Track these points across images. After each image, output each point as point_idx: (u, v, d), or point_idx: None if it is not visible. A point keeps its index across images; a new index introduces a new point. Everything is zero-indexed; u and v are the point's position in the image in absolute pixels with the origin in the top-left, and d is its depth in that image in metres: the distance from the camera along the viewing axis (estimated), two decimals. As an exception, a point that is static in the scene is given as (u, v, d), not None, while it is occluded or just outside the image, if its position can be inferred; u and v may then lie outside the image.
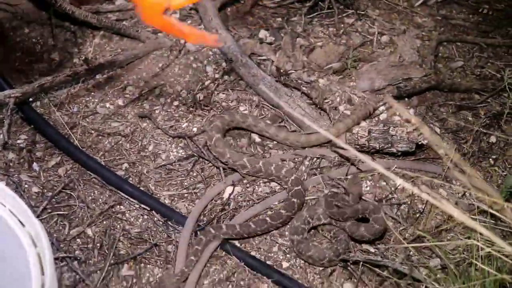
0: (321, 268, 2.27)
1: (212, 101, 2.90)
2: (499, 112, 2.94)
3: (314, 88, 2.96)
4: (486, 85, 3.06)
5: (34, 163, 2.56)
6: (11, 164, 2.54)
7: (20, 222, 1.53)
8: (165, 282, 2.14)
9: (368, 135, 2.65)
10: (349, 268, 2.27)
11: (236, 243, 2.33)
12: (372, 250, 2.33)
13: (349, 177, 2.56)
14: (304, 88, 2.97)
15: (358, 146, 2.65)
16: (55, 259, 2.19)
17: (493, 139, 2.84)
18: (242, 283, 2.22)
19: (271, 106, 2.89)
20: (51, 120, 2.72)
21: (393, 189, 2.55)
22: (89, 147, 2.64)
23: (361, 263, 2.26)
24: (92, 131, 2.72)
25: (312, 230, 2.41)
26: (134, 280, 2.20)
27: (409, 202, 2.50)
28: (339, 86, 3.01)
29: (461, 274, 2.10)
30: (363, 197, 2.45)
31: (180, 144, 2.70)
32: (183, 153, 2.66)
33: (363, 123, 2.79)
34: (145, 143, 2.70)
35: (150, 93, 2.91)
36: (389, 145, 2.63)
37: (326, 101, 2.93)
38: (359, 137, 2.65)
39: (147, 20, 1.72)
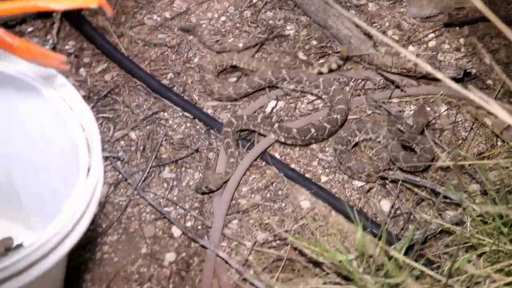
0: (359, 185, 2.28)
1: (259, 18, 2.88)
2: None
3: (363, 12, 2.92)
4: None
5: (82, 68, 2.60)
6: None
7: (69, 106, 1.55)
8: (208, 179, 2.17)
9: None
10: (387, 186, 2.27)
11: (276, 154, 2.35)
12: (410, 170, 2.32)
13: (414, 107, 2.52)
14: (352, 11, 2.93)
15: (404, 70, 2.62)
16: (99, 158, 2.25)
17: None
18: (280, 192, 2.24)
19: (319, 27, 2.86)
20: (99, 28, 2.74)
21: (437, 114, 2.52)
22: (135, 56, 2.66)
23: (400, 182, 2.26)
24: (139, 41, 2.73)
25: (354, 148, 2.41)
26: (175, 183, 2.24)
27: (452, 128, 2.47)
28: (389, 11, 2.96)
29: (500, 199, 2.09)
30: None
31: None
32: (228, 67, 2.67)
33: (410, 47, 2.74)
34: (191, 55, 2.71)
35: (197, 7, 2.90)
36: (437, 71, 2.58)
37: (374, 24, 2.88)
38: (406, 61, 2.61)
39: None
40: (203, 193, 2.20)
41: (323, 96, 2.53)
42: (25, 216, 1.89)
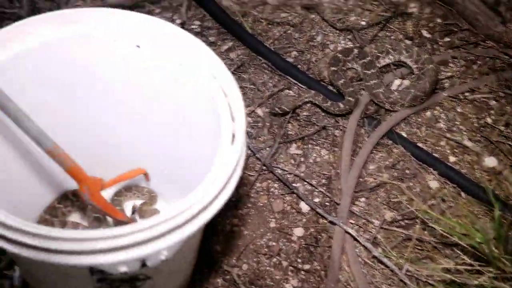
0: (490, 165, 2.23)
1: (383, -3, 2.86)
2: None
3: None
4: None
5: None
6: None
7: (212, 74, 1.59)
8: (282, 100, 2.32)
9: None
10: (519, 168, 2.21)
11: (403, 133, 2.33)
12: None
13: None
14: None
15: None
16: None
17: None
18: (407, 171, 2.22)
19: (443, 4, 2.80)
20: (224, 7, 2.79)
21: None
22: (259, 35, 2.70)
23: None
24: (262, 20, 2.77)
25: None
26: (302, 159, 2.26)
27: None
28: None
29: None
30: None
31: (348, 37, 2.69)
32: (351, 45, 2.65)
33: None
34: (313, 33, 2.72)
35: (319, -14, 2.91)
36: None
37: (502, 0, 2.78)
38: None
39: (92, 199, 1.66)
40: (275, 114, 2.33)
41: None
42: (164, 186, 1.97)
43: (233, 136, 1.48)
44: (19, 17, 2.46)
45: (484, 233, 1.81)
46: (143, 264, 1.29)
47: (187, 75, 1.64)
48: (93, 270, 1.29)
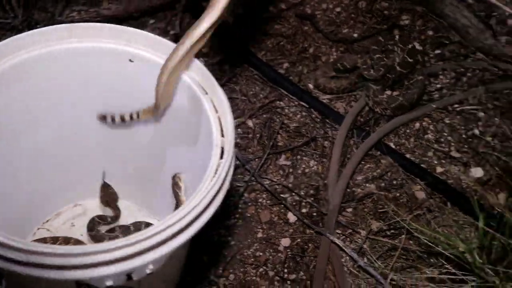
0: (476, 176, 2.25)
1: (374, 9, 2.88)
2: None
3: (481, 1, 2.85)
4: None
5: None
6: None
7: (203, 89, 1.63)
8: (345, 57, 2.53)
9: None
10: (505, 179, 2.23)
11: (391, 144, 2.35)
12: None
13: None
14: (470, 1, 2.87)
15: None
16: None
17: None
18: (394, 182, 2.25)
19: (434, 17, 2.82)
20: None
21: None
22: (252, 46, 2.73)
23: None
24: (255, 32, 2.80)
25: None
26: (290, 170, 2.29)
27: None
28: (510, -1, 2.87)
29: None
30: None
31: (340, 49, 2.72)
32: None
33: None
34: (306, 45, 2.75)
35: (313, -2, 2.95)
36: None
37: (494, 14, 2.81)
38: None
39: None
40: (337, 70, 2.52)
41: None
42: (156, 200, 1.99)
43: (222, 150, 1.51)
44: (13, 27, 2.51)
45: (467, 243, 1.83)
46: (129, 277, 1.32)
47: (178, 89, 1.67)
48: (79, 284, 1.32)
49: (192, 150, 1.69)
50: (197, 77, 1.64)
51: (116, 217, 1.91)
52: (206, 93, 1.61)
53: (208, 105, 1.59)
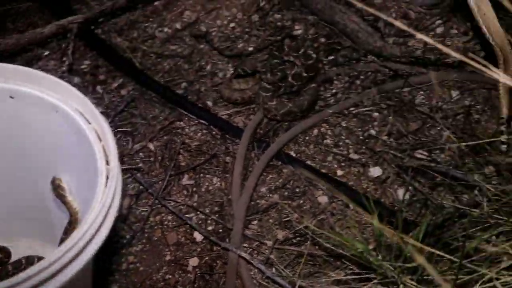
0: (375, 175, 2.31)
1: (267, 21, 2.93)
2: None
3: (369, 5, 2.95)
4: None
5: (98, 86, 2.68)
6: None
7: (86, 119, 1.62)
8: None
9: (424, 47, 2.64)
10: (402, 175, 2.30)
11: (292, 153, 2.39)
12: (425, 156, 2.35)
13: None
14: (359, 5, 2.96)
15: (413, 59, 2.65)
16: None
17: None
18: (297, 190, 2.29)
19: (326, 24, 2.90)
20: (112, 45, 2.82)
21: (449, 100, 2.54)
22: (149, 69, 2.73)
23: (411, 168, 2.28)
24: (152, 54, 2.81)
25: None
26: (194, 189, 2.30)
27: (464, 113, 2.49)
28: (395, 2, 2.98)
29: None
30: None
31: (236, 63, 2.75)
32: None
33: (418, 35, 2.75)
34: (203, 63, 2.77)
35: (206, 16, 2.96)
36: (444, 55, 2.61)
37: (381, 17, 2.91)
38: (414, 49, 2.64)
39: None
40: (239, 76, 2.60)
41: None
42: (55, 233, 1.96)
43: (107, 178, 1.51)
44: None
45: (364, 243, 1.88)
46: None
47: (62, 121, 1.66)
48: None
49: (81, 180, 1.68)
50: (80, 107, 1.64)
51: (7, 256, 1.90)
52: (89, 123, 1.61)
53: (91, 135, 1.59)
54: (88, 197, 1.50)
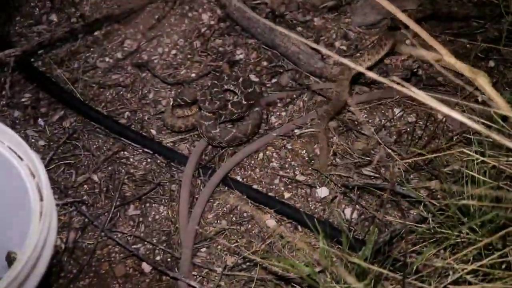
0: (322, 196, 2.32)
1: (209, 47, 2.94)
2: (497, 37, 2.92)
3: (309, 27, 2.99)
4: (484, 11, 3.04)
5: (39, 118, 2.63)
6: (17, 121, 2.62)
7: (19, 156, 1.59)
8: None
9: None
10: (348, 194, 2.31)
11: (238, 177, 2.38)
12: (371, 174, 2.37)
13: None
14: (299, 28, 2.99)
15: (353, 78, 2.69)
16: (64, 204, 2.29)
17: (491, 63, 2.84)
18: (245, 214, 2.28)
19: (267, 48, 2.92)
20: (53, 77, 2.78)
21: (392, 117, 2.58)
22: (91, 100, 2.70)
23: (356, 187, 2.31)
24: (94, 85, 2.77)
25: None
26: (141, 219, 2.27)
27: (408, 129, 2.53)
28: (335, 23, 3.03)
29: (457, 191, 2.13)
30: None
31: (179, 90, 2.74)
32: (183, 99, 2.71)
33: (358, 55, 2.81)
34: (146, 91, 2.75)
35: (148, 44, 2.95)
36: (384, 74, 2.65)
37: (322, 38, 2.95)
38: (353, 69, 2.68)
39: None
40: (178, 106, 2.56)
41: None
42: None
43: (41, 214, 1.48)
44: None
45: (312, 266, 1.89)
46: None
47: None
48: None
49: (17, 218, 1.64)
50: (11, 144, 1.61)
51: None
52: (22, 160, 1.58)
53: (24, 172, 1.56)
54: (25, 231, 1.47)
